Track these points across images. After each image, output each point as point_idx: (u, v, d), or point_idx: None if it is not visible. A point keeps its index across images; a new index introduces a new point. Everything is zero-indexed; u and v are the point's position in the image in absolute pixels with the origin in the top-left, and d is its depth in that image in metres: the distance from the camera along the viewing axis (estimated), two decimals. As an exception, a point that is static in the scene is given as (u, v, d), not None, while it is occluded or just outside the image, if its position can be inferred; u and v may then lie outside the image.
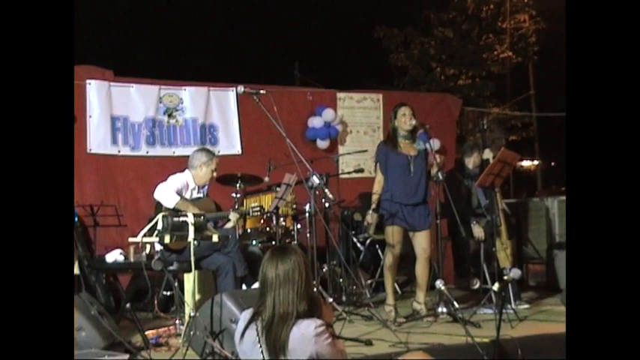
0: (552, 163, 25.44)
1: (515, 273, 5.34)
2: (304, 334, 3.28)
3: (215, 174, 6.48)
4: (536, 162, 22.82)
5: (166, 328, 5.76)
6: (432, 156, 6.52)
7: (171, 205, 5.93)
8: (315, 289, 5.95)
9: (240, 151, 8.71)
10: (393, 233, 6.45)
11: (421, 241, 6.44)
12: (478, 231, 7.20)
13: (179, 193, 6.10)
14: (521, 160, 21.26)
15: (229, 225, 6.48)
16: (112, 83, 8.18)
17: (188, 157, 7.75)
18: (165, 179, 6.18)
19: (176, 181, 6.17)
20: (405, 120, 6.49)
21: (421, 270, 6.50)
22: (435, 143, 8.63)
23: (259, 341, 3.37)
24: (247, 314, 3.53)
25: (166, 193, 6.00)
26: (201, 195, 6.43)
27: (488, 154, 7.37)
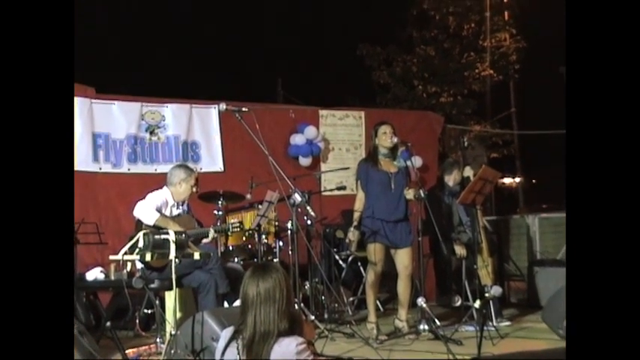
0: (533, 181, 25.58)
1: (496, 291, 5.37)
2: (285, 352, 3.28)
3: (195, 189, 6.45)
4: (517, 179, 22.93)
5: (147, 347, 5.73)
6: (414, 173, 6.55)
7: (151, 223, 5.91)
8: (296, 307, 5.94)
9: (222, 169, 8.70)
10: (374, 251, 6.46)
11: (403, 258, 6.46)
12: (460, 249, 7.22)
13: (159, 210, 6.08)
14: (503, 177, 21.35)
15: (206, 240, 6.46)
16: (93, 100, 8.15)
17: (169, 173, 7.73)
18: (145, 197, 6.16)
19: (155, 198, 6.15)
20: (385, 138, 6.53)
21: (403, 287, 6.51)
22: (417, 161, 8.66)
23: (240, 359, 3.36)
24: (228, 332, 3.52)
25: (146, 211, 5.97)
26: (180, 211, 6.40)
27: (468, 171, 7.42)
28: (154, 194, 6.18)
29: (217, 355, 3.53)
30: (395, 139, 6.50)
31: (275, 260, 7.15)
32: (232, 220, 6.83)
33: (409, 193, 6.45)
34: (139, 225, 5.96)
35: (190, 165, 8.14)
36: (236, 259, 7.17)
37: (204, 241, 6.42)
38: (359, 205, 6.59)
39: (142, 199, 6.09)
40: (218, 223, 6.97)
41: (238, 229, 6.65)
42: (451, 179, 7.56)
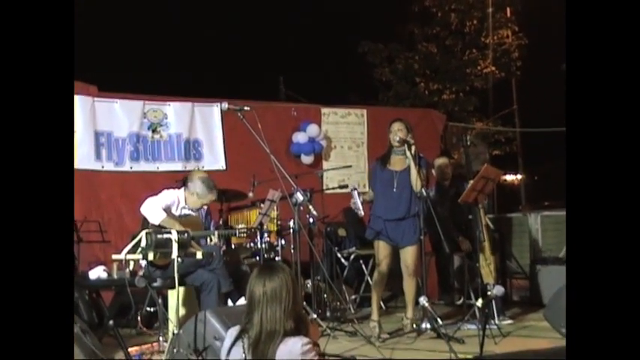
0: (535, 178, 25.55)
1: (498, 290, 5.36)
2: (291, 351, 3.28)
3: (205, 207, 6.52)
4: (519, 176, 22.92)
5: (150, 345, 5.74)
6: (415, 169, 6.45)
7: (156, 222, 5.90)
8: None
9: (224, 167, 8.71)
10: (378, 248, 6.48)
11: (405, 257, 6.45)
12: (464, 242, 7.26)
13: (168, 208, 6.07)
14: (505, 174, 21.32)
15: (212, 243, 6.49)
16: (96, 98, 8.16)
17: (172, 172, 7.77)
18: (155, 194, 6.15)
19: (167, 196, 6.14)
20: (392, 136, 6.53)
21: (406, 286, 6.52)
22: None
23: (246, 358, 3.37)
24: (234, 331, 3.52)
25: (153, 209, 5.95)
26: (190, 212, 6.40)
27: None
28: (169, 192, 6.19)
29: (223, 354, 3.53)
30: (397, 137, 6.48)
31: (277, 258, 7.15)
32: (239, 225, 6.84)
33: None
34: (144, 223, 5.97)
35: (192, 163, 8.18)
36: (245, 262, 7.20)
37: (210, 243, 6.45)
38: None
39: (152, 195, 6.09)
40: (220, 222, 6.97)
41: (244, 235, 6.67)
42: None
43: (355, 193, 6.48)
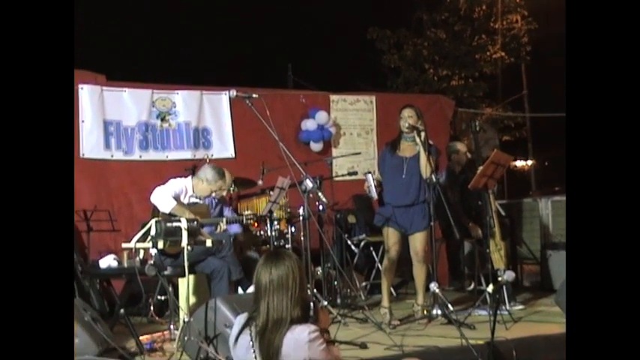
0: (546, 163, 25.47)
1: (509, 275, 5.34)
2: (298, 339, 3.28)
3: (216, 195, 6.49)
4: (529, 162, 22.85)
5: (161, 333, 5.74)
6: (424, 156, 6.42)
7: (167, 211, 5.92)
8: (309, 294, 5.95)
9: (233, 155, 8.70)
10: (387, 235, 6.47)
11: (414, 244, 6.44)
12: (474, 228, 7.23)
13: (177, 197, 6.09)
14: (515, 160, 21.26)
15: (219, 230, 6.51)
16: (104, 87, 8.16)
17: (181, 161, 7.77)
18: (164, 182, 6.17)
19: (175, 185, 6.16)
20: (402, 122, 6.51)
21: (416, 273, 6.51)
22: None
23: (253, 346, 3.37)
24: (241, 319, 3.53)
25: (163, 198, 5.97)
26: (198, 200, 6.41)
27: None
28: (176, 181, 6.21)
29: (231, 342, 3.54)
30: (406, 123, 6.46)
31: (287, 246, 7.16)
32: (246, 212, 6.85)
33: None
34: (155, 211, 5.98)
35: (201, 152, 8.17)
36: (254, 250, 7.21)
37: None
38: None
39: (161, 184, 6.11)
40: (230, 208, 6.97)
41: (252, 221, 6.67)
42: None
43: (370, 176, 6.48)
